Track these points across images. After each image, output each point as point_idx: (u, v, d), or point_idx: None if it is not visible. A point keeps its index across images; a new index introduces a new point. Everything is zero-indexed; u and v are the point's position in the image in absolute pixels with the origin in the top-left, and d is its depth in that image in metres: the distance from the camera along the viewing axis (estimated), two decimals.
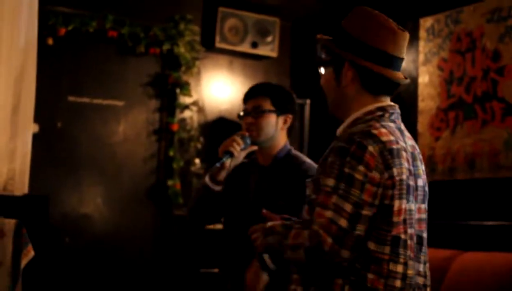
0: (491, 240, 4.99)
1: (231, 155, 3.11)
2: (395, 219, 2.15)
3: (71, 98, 6.15)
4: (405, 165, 2.19)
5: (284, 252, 2.15)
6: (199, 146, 6.54)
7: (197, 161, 6.55)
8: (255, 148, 3.24)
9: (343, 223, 2.04)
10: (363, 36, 2.24)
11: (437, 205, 5.52)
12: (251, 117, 3.21)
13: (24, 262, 3.88)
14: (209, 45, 6.71)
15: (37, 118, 5.02)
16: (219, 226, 6.36)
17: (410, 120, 5.72)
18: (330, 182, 2.09)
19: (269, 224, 2.29)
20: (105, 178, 6.26)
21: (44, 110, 5.73)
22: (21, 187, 4.58)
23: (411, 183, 2.21)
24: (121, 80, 6.36)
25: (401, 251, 2.17)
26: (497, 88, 5.23)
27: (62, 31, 5.95)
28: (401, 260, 2.17)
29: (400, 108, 2.37)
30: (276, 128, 3.20)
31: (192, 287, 6.27)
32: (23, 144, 4.67)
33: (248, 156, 3.34)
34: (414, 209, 2.23)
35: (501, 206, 5.10)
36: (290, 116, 3.25)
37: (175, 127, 6.42)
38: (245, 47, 6.81)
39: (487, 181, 5.25)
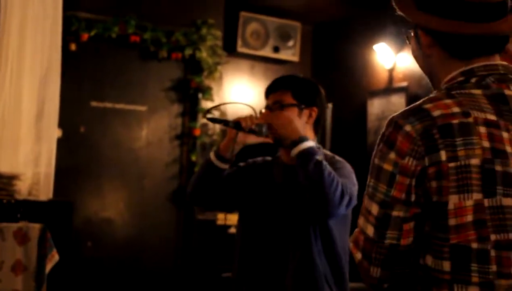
0: None
1: (238, 126, 2.76)
2: (452, 222, 1.55)
3: (93, 103, 6.19)
4: (484, 143, 1.56)
5: None
6: None
7: None
8: (268, 140, 2.82)
9: (370, 231, 1.57)
10: None
11: None
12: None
13: (49, 267, 3.91)
14: (231, 50, 6.72)
15: (60, 124, 5.05)
16: None
17: None
18: (368, 180, 1.63)
19: None
20: (127, 182, 6.28)
21: (67, 116, 5.75)
22: (46, 191, 4.61)
23: (499, 168, 1.56)
24: (143, 85, 6.39)
25: (474, 266, 1.55)
26: None
27: (85, 36, 5.98)
28: (475, 280, 1.55)
29: None
30: None
31: None
32: (48, 149, 4.71)
33: (273, 154, 3.01)
34: None
35: None
36: (315, 109, 2.88)
37: (197, 132, 6.43)
38: (267, 52, 6.82)
39: None
